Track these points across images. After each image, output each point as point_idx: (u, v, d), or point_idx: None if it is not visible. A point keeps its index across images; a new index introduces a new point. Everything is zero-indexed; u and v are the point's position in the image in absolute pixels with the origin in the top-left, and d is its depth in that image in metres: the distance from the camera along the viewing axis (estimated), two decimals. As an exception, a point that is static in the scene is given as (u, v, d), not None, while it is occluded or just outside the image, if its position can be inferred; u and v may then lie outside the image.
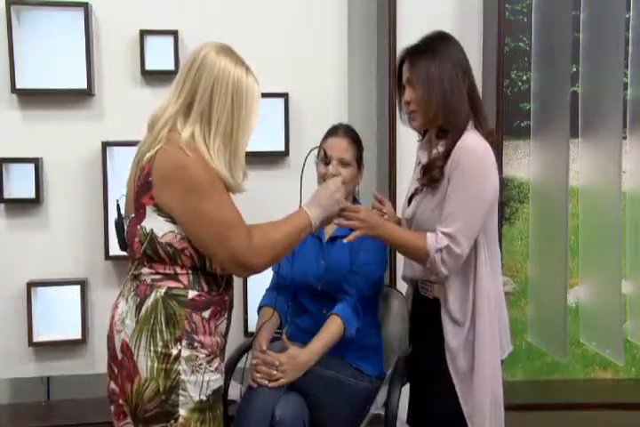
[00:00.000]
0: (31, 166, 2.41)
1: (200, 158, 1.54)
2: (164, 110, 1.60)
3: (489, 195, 1.75)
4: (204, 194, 1.53)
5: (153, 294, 1.58)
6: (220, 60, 1.59)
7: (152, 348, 1.56)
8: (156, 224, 1.56)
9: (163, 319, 1.57)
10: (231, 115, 1.59)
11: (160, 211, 1.56)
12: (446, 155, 1.76)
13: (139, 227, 1.59)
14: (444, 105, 1.77)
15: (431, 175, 1.77)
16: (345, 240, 1.79)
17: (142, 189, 1.57)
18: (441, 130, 1.82)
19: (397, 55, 1.89)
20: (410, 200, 1.91)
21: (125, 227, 1.67)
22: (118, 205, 1.74)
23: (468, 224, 1.72)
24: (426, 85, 1.77)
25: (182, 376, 1.57)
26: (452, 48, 1.82)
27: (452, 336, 1.80)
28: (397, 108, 1.96)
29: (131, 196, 1.64)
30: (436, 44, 1.81)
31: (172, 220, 1.56)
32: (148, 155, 1.57)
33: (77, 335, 2.48)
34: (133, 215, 1.61)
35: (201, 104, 1.57)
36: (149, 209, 1.56)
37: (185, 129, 1.57)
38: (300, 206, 1.72)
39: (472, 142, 1.75)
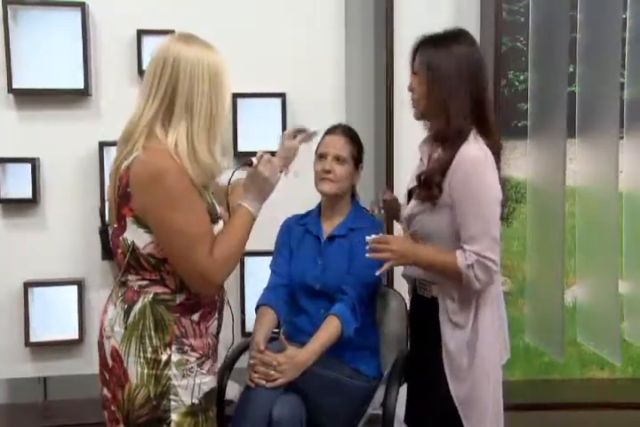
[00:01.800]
0: (28, 166, 2.40)
1: (177, 166, 1.51)
2: (138, 120, 1.57)
3: (497, 207, 1.77)
4: (175, 206, 1.51)
5: (140, 300, 1.57)
6: (191, 48, 1.56)
7: (142, 354, 1.55)
8: (136, 236, 1.55)
9: (151, 325, 1.56)
10: (209, 98, 1.56)
11: (139, 222, 1.54)
12: (444, 169, 1.75)
13: (121, 238, 1.58)
14: (445, 112, 1.75)
15: (430, 193, 1.76)
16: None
17: (122, 200, 1.55)
18: (438, 134, 1.81)
19: (414, 41, 1.85)
20: (409, 196, 1.91)
21: (110, 235, 1.65)
22: (102, 214, 1.72)
23: (490, 240, 1.73)
24: (429, 82, 1.77)
25: (173, 381, 1.56)
26: (464, 49, 1.78)
27: (451, 336, 1.80)
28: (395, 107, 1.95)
29: (112, 206, 1.62)
30: (452, 41, 1.78)
31: (151, 230, 1.55)
32: (125, 163, 1.55)
33: (74, 335, 2.47)
34: (116, 226, 1.60)
35: (183, 97, 1.54)
36: (129, 221, 1.55)
37: (170, 131, 1.54)
38: (239, 203, 1.67)
39: (472, 154, 1.74)
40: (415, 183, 1.86)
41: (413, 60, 1.85)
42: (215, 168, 1.59)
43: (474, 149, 1.75)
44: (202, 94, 1.55)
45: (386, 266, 1.77)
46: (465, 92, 1.75)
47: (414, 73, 1.83)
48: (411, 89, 1.84)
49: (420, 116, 1.85)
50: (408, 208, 1.87)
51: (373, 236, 1.79)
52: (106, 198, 1.67)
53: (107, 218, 1.70)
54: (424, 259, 1.78)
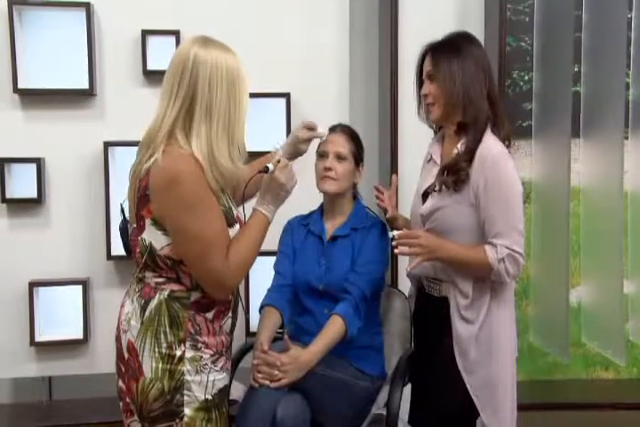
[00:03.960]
0: (33, 166, 2.41)
1: (195, 171, 1.54)
2: (160, 124, 1.58)
3: (521, 200, 1.80)
4: (191, 211, 1.53)
5: (157, 296, 1.60)
6: (210, 52, 1.58)
7: (156, 349, 1.58)
8: (154, 237, 1.58)
9: (166, 321, 1.59)
10: (228, 102, 1.59)
11: (157, 224, 1.57)
12: (469, 156, 1.77)
13: (139, 238, 1.61)
14: (465, 97, 1.79)
15: (457, 177, 1.78)
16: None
17: (141, 201, 1.58)
18: (460, 126, 1.82)
19: (421, 49, 1.91)
20: (424, 196, 1.91)
21: (129, 232, 1.69)
22: (122, 209, 1.74)
23: (518, 234, 1.77)
24: (447, 79, 1.80)
25: (187, 377, 1.59)
26: (474, 48, 1.85)
27: (462, 330, 1.81)
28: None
29: (132, 206, 1.65)
30: (460, 43, 1.85)
31: (169, 233, 1.57)
32: (145, 165, 1.57)
33: (79, 335, 2.47)
34: (135, 226, 1.63)
35: (202, 102, 1.56)
36: (148, 222, 1.58)
37: (190, 135, 1.56)
38: (255, 208, 1.70)
39: (495, 150, 1.78)
40: (429, 183, 1.87)
41: (421, 66, 1.89)
42: (235, 172, 1.61)
43: (497, 145, 1.79)
44: (220, 99, 1.57)
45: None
46: (482, 91, 1.81)
47: (428, 79, 1.85)
48: (425, 95, 1.86)
49: (440, 118, 1.87)
50: (426, 206, 1.88)
51: (396, 231, 1.78)
52: (126, 198, 1.70)
53: (127, 214, 1.72)
54: (452, 254, 1.79)
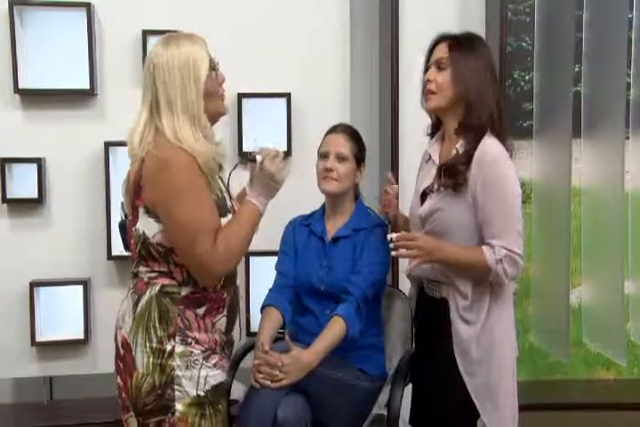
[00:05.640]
0: (34, 166, 2.41)
1: (186, 159, 1.57)
2: (137, 122, 1.65)
3: (520, 201, 1.79)
4: (180, 197, 1.56)
5: (148, 292, 1.63)
6: (166, 50, 1.63)
7: (148, 344, 1.61)
8: (146, 225, 1.61)
9: (156, 316, 1.62)
10: (183, 86, 1.61)
11: (149, 212, 1.60)
12: (467, 159, 1.77)
13: (134, 229, 1.64)
14: (475, 95, 1.78)
15: (455, 180, 1.78)
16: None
17: (136, 191, 1.62)
18: (461, 126, 1.82)
19: (435, 36, 1.90)
20: (422, 197, 1.91)
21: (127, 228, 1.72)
22: (123, 205, 1.76)
23: (517, 235, 1.76)
24: (461, 72, 1.79)
25: (177, 371, 1.61)
26: (485, 50, 1.86)
27: (463, 331, 1.81)
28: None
29: (128, 200, 1.68)
30: (475, 42, 1.85)
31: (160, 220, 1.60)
32: (139, 156, 1.62)
33: (80, 335, 2.47)
34: (130, 218, 1.66)
35: (163, 93, 1.62)
36: (141, 211, 1.61)
37: (164, 126, 1.61)
38: (245, 199, 1.71)
39: (494, 150, 1.77)
40: (428, 183, 1.87)
41: (430, 53, 1.88)
42: (205, 153, 1.62)
43: (495, 145, 1.78)
44: (176, 87, 1.61)
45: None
46: (490, 91, 1.80)
47: (438, 66, 1.83)
48: (429, 80, 1.84)
49: (436, 107, 1.86)
50: (424, 208, 1.87)
51: (394, 234, 1.77)
52: (122, 194, 1.73)
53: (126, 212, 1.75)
54: (450, 255, 1.79)
